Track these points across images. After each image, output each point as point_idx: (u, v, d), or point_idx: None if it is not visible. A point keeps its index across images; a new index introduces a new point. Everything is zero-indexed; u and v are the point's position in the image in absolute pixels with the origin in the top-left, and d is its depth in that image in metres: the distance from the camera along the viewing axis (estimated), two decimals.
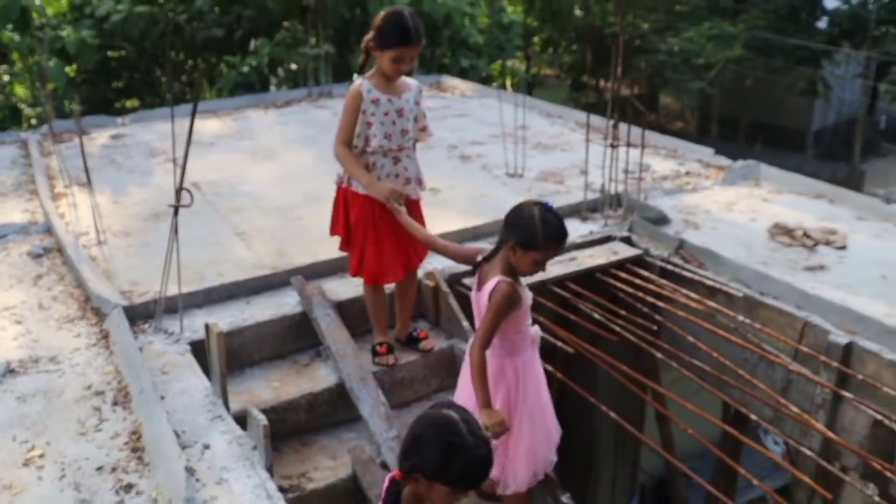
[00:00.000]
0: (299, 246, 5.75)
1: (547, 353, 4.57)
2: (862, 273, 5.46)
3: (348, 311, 4.95)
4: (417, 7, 13.59)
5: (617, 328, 5.22)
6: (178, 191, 4.58)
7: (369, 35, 4.24)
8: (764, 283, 5.25)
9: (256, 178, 7.31)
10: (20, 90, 14.44)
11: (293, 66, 13.71)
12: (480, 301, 3.58)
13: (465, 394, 3.75)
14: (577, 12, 25.64)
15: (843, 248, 5.84)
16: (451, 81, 11.20)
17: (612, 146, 6.07)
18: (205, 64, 15.78)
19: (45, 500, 3.52)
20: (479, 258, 3.66)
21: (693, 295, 5.34)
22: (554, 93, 26.19)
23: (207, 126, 9.08)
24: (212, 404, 4.11)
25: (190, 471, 3.57)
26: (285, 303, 5.09)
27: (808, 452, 4.59)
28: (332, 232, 4.69)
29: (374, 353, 4.78)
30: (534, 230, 3.39)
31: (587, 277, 5.48)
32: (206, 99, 13.37)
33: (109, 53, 15.05)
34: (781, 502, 4.87)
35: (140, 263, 5.62)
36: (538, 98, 11.37)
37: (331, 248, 5.50)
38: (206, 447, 3.79)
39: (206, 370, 4.35)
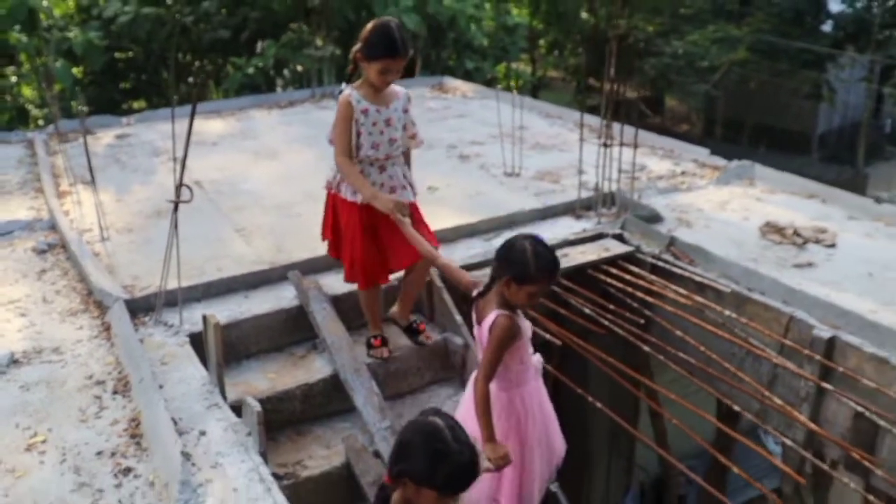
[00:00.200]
0: (298, 242, 5.87)
1: (540, 348, 4.68)
2: (849, 270, 5.56)
3: (343, 305, 5.07)
4: (422, 9, 13.74)
5: (607, 323, 5.33)
6: (178, 187, 4.70)
7: (357, 46, 4.31)
8: (752, 279, 5.35)
9: (258, 177, 7.44)
10: (27, 91, 14.61)
11: (299, 68, 13.85)
12: (482, 335, 3.62)
13: (466, 427, 3.84)
14: (584, 15, 25.71)
15: (832, 246, 5.94)
16: (452, 83, 11.32)
17: (605, 145, 6.18)
18: (212, 65, 15.95)
19: (46, 484, 3.65)
20: (475, 293, 3.71)
21: (682, 291, 5.45)
22: (559, 95, 26.25)
23: (211, 126, 9.22)
24: (209, 393, 4.23)
25: (186, 455, 3.70)
26: (282, 297, 5.21)
27: (792, 444, 4.71)
28: (323, 236, 4.83)
29: (369, 346, 4.89)
30: (526, 264, 3.42)
31: (579, 273, 5.60)
32: (212, 100, 13.53)
33: (116, 55, 15.22)
34: (778, 502, 4.99)
35: (142, 259, 5.74)
36: (544, 100, 11.48)
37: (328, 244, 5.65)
38: (203, 433, 3.92)
39: (205, 361, 4.48)
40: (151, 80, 15.90)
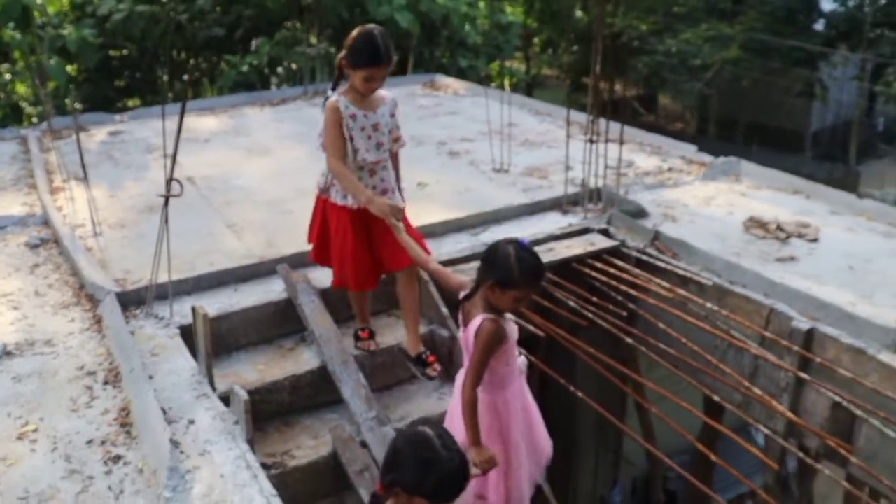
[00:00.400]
0: (288, 237, 5.93)
1: (526, 341, 4.77)
2: (831, 264, 5.65)
3: (331, 298, 5.14)
4: (416, 7, 13.81)
5: (593, 316, 5.42)
6: (168, 182, 4.78)
7: (342, 53, 4.36)
8: (734, 272, 5.44)
9: (250, 173, 7.52)
10: (21, 88, 14.66)
11: (293, 66, 13.92)
12: (468, 339, 3.64)
13: (453, 429, 3.87)
14: (578, 13, 25.81)
15: (814, 240, 6.03)
16: (444, 80, 11.39)
17: (591, 141, 6.26)
18: (206, 63, 16.01)
19: (37, 471, 3.72)
20: (461, 296, 3.73)
21: (666, 284, 5.54)
22: (554, 93, 26.36)
23: (204, 123, 9.30)
24: (198, 383, 4.31)
25: (175, 443, 3.78)
26: (271, 290, 5.28)
27: (773, 435, 4.80)
28: (308, 239, 4.90)
29: (356, 338, 4.97)
30: (510, 269, 3.43)
31: (564, 267, 5.68)
32: (205, 97, 13.59)
33: (111, 52, 15.26)
34: (767, 499, 5.08)
35: (134, 254, 5.82)
36: (538, 99, 11.55)
37: None
38: (191, 422, 4.00)
39: (195, 352, 4.56)
40: (146, 78, 15.95)
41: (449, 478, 2.72)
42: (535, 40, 27.81)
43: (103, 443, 3.90)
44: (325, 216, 4.69)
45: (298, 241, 5.77)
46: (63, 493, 3.59)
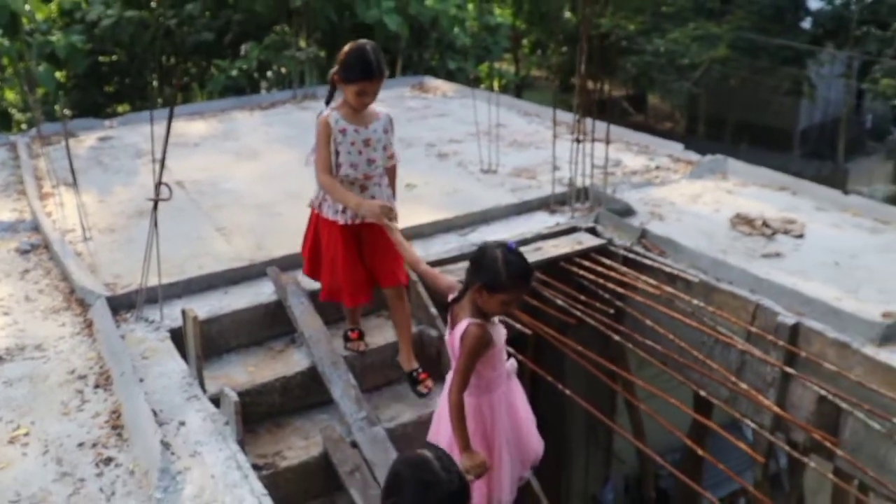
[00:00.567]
0: (277, 240, 5.97)
1: (515, 341, 4.80)
2: (816, 260, 5.70)
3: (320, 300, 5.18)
4: (404, 10, 13.85)
5: (581, 314, 5.46)
6: (157, 185, 4.80)
7: (334, 69, 4.39)
8: (720, 269, 5.49)
9: (239, 177, 7.54)
10: (10, 95, 14.66)
11: (282, 70, 13.94)
12: (453, 342, 3.65)
13: (440, 433, 3.87)
14: (566, 14, 25.88)
15: (800, 236, 6.08)
16: (433, 82, 11.44)
17: (578, 141, 6.31)
18: (195, 68, 16.02)
19: (28, 475, 3.74)
20: (450, 298, 3.72)
21: (653, 281, 5.58)
22: (543, 94, 26.41)
23: (194, 128, 9.32)
24: (188, 385, 4.34)
25: (165, 444, 3.81)
26: (261, 292, 5.31)
27: (759, 429, 4.85)
28: (302, 252, 4.91)
29: (346, 339, 5.00)
30: (498, 273, 3.44)
31: (552, 266, 5.72)
32: (195, 102, 13.60)
33: (100, 58, 15.26)
34: (757, 495, 5.13)
35: (123, 258, 5.84)
36: (528, 100, 11.59)
37: None
38: (182, 424, 4.02)
39: (185, 355, 4.59)
40: (135, 84, 15.95)
41: (449, 500, 2.68)
42: (524, 42, 27.86)
43: (94, 445, 3.92)
44: (317, 230, 4.71)
45: (287, 243, 5.82)
46: (55, 495, 3.61)
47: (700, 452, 5.29)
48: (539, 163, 7.62)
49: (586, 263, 5.80)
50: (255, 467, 4.08)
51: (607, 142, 6.61)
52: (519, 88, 24.90)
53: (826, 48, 23.62)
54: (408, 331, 4.88)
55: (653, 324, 5.44)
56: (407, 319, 4.87)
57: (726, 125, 26.22)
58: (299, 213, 6.44)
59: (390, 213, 4.31)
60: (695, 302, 5.35)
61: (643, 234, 5.96)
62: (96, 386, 4.40)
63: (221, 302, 5.22)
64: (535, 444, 4.03)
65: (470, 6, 17.96)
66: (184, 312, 4.38)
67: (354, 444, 4.40)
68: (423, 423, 4.68)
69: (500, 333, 3.69)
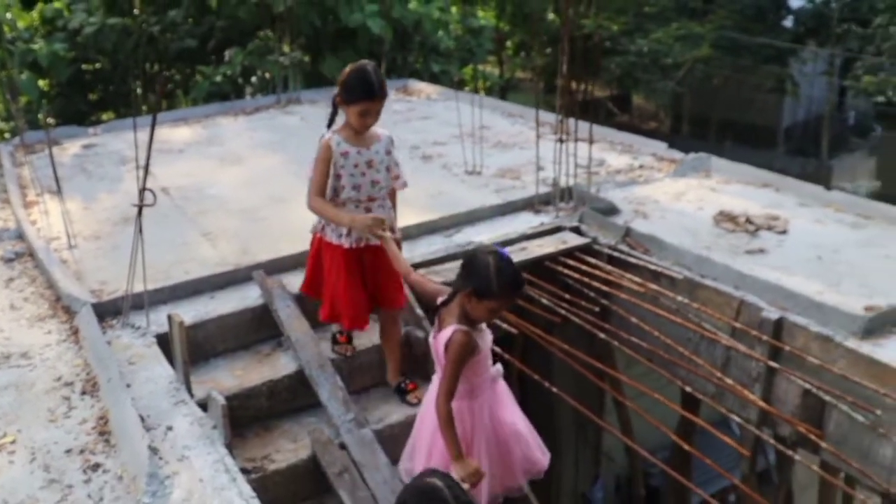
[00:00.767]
0: (262, 244, 5.98)
1: (502, 340, 4.83)
2: (799, 255, 5.75)
3: (307, 303, 5.18)
4: (388, 14, 13.86)
5: (567, 313, 5.49)
6: (141, 191, 4.81)
7: (336, 91, 4.39)
8: (704, 265, 5.52)
9: (224, 182, 7.54)
10: None
11: (266, 75, 13.93)
12: (437, 348, 3.64)
13: (421, 437, 3.88)
14: (550, 16, 25.94)
15: (783, 232, 6.13)
16: (417, 85, 11.47)
17: (561, 141, 6.34)
18: (179, 75, 15.98)
19: (15, 482, 3.74)
20: (439, 301, 3.71)
21: (638, 279, 5.61)
22: (528, 96, 26.40)
23: (178, 134, 9.31)
24: (175, 390, 4.34)
25: (153, 449, 3.82)
26: (247, 296, 5.32)
27: (746, 424, 4.89)
28: (302, 287, 4.91)
29: (334, 342, 5.01)
30: (488, 280, 3.42)
31: (537, 266, 5.74)
32: (178, 108, 13.57)
33: (83, 66, 15.20)
34: (745, 490, 5.16)
35: (109, 265, 5.83)
36: (512, 101, 11.62)
37: (292, 245, 5.80)
38: (169, 429, 4.03)
39: (172, 360, 4.59)
40: (119, 91, 15.87)
41: None
42: (508, 44, 27.90)
43: (82, 451, 3.92)
44: (319, 252, 4.69)
45: (273, 247, 5.85)
46: (42, 502, 3.62)
47: (687, 448, 5.33)
48: (523, 163, 7.64)
49: (571, 262, 5.83)
50: (244, 471, 4.09)
51: (590, 141, 6.64)
52: (504, 90, 24.92)
53: (808, 46, 23.76)
54: (397, 351, 4.92)
55: (638, 321, 5.47)
56: (397, 341, 4.92)
57: (710, 124, 26.31)
58: (284, 217, 6.51)
59: (382, 225, 4.31)
60: (679, 299, 5.39)
61: (627, 233, 5.99)
62: (83, 392, 4.40)
63: (207, 307, 5.23)
64: (537, 455, 3.98)
65: (453, 9, 17.98)
66: (170, 318, 4.39)
67: (343, 446, 4.41)
68: (411, 424, 4.69)
69: (486, 339, 3.68)
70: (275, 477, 4.36)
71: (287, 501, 4.36)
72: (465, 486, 3.40)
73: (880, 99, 22.22)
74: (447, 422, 3.51)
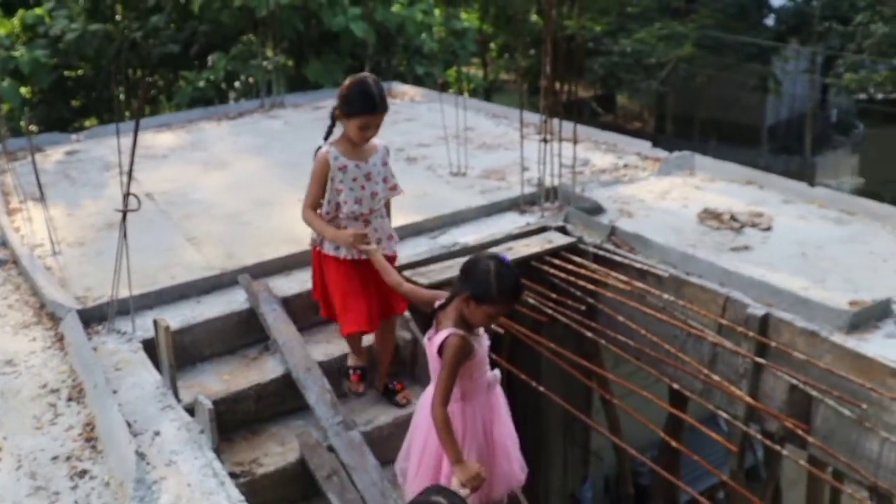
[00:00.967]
0: (248, 248, 5.96)
1: (490, 339, 4.81)
2: (784, 251, 5.78)
3: (293, 306, 5.18)
4: (371, 17, 13.86)
5: (554, 312, 5.50)
6: (125, 196, 4.79)
7: (335, 104, 4.32)
8: (689, 263, 5.54)
9: (208, 187, 7.52)
10: None
11: (250, 80, 13.90)
12: (431, 350, 3.61)
13: (414, 443, 3.84)
14: (533, 17, 26.00)
15: (768, 229, 6.15)
16: (400, 88, 11.46)
17: (545, 141, 6.35)
18: (162, 80, 15.94)
19: (2, 490, 3.71)
20: (437, 304, 3.68)
21: (624, 278, 5.63)
22: (513, 97, 26.47)
23: (161, 139, 9.27)
24: (162, 395, 4.32)
25: (140, 455, 3.80)
26: (234, 300, 5.30)
27: (733, 420, 4.90)
28: (313, 296, 4.81)
29: (346, 377, 4.85)
30: (488, 285, 3.40)
31: (523, 266, 5.74)
32: (162, 114, 13.54)
33: (65, 73, 15.14)
34: (731, 485, 5.18)
35: (94, 270, 5.80)
36: (497, 103, 11.64)
37: (277, 249, 5.80)
38: (157, 434, 4.01)
39: (158, 365, 4.56)
40: (102, 98, 15.83)
41: None
42: (492, 45, 27.95)
43: (69, 458, 3.90)
44: (321, 268, 4.62)
45: (258, 251, 5.84)
46: None
47: (675, 446, 5.35)
48: (508, 164, 7.65)
49: (557, 262, 5.84)
50: (233, 475, 4.08)
51: (575, 141, 6.66)
52: (488, 92, 24.98)
53: (790, 44, 23.91)
54: (389, 355, 4.89)
55: (625, 319, 5.48)
56: (391, 347, 4.89)
57: (694, 123, 26.46)
58: (269, 221, 6.50)
59: (364, 240, 4.28)
60: (665, 296, 5.40)
61: (613, 232, 6.01)
62: (69, 399, 4.38)
63: (194, 311, 5.21)
64: (516, 470, 3.93)
65: (436, 11, 17.99)
66: (156, 322, 4.37)
67: (331, 449, 4.40)
68: (400, 426, 4.70)
69: (482, 344, 3.66)
70: (263, 481, 4.34)
71: None
72: (466, 491, 3.40)
73: (862, 96, 22.41)
74: (444, 426, 3.47)
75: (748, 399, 4.89)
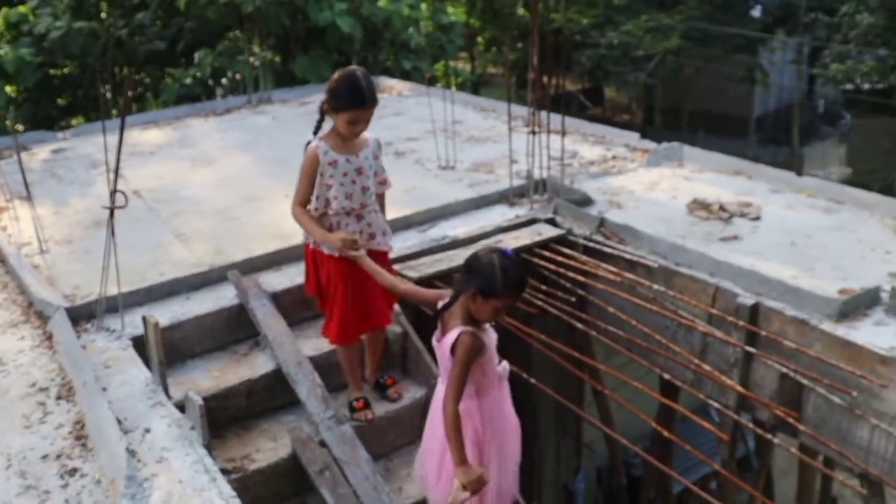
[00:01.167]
0: (237, 244, 5.95)
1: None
2: (772, 241, 5.79)
3: (283, 301, 5.17)
4: (357, 12, 13.83)
5: (545, 304, 5.49)
6: (112, 193, 4.76)
7: (324, 98, 4.22)
8: (679, 253, 5.55)
9: (196, 183, 7.49)
10: None
11: (237, 76, 13.86)
12: (443, 350, 3.58)
13: (434, 444, 3.80)
14: (520, 11, 25.99)
15: (757, 218, 6.16)
16: (388, 82, 11.45)
17: (533, 133, 6.35)
18: (149, 78, 15.87)
19: None
20: (440, 305, 3.64)
21: (614, 269, 5.63)
22: (501, 91, 26.44)
23: (148, 136, 9.24)
24: (152, 392, 4.31)
25: (131, 452, 3.79)
26: (223, 296, 5.28)
27: (724, 409, 4.91)
28: (307, 291, 4.69)
29: (352, 410, 4.70)
30: (493, 278, 3.38)
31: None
32: (149, 111, 13.48)
33: (51, 71, 15.05)
34: (723, 473, 5.19)
35: (82, 268, 5.78)
36: (485, 97, 11.64)
37: (266, 244, 5.79)
38: (147, 431, 4.00)
39: (148, 362, 4.55)
40: (88, 96, 15.75)
41: None
42: (479, 39, 27.93)
43: (59, 457, 3.88)
44: (315, 265, 4.51)
45: (247, 247, 5.82)
46: None
47: (667, 436, 5.35)
48: (497, 157, 7.65)
49: (547, 254, 5.84)
50: (224, 472, 4.05)
51: (563, 133, 6.66)
52: (476, 86, 24.95)
53: (776, 35, 23.96)
54: (379, 350, 4.84)
55: (616, 310, 5.49)
56: (382, 341, 4.84)
57: (683, 115, 26.49)
58: (257, 216, 6.49)
59: (354, 245, 4.15)
60: (656, 287, 5.41)
61: (602, 223, 6.01)
62: (58, 397, 4.36)
63: (183, 308, 5.19)
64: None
65: (423, 6, 17.95)
66: (145, 319, 4.35)
67: (323, 444, 4.39)
68: (391, 420, 4.72)
69: (491, 338, 3.64)
70: (255, 476, 4.33)
71: (268, 501, 4.34)
72: (466, 494, 3.39)
73: (849, 86, 22.47)
74: (453, 425, 3.45)
75: (739, 388, 4.91)
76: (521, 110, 7.99)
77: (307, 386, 4.62)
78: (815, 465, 5.47)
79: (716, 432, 4.94)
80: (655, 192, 6.75)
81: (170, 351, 4.66)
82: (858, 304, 4.87)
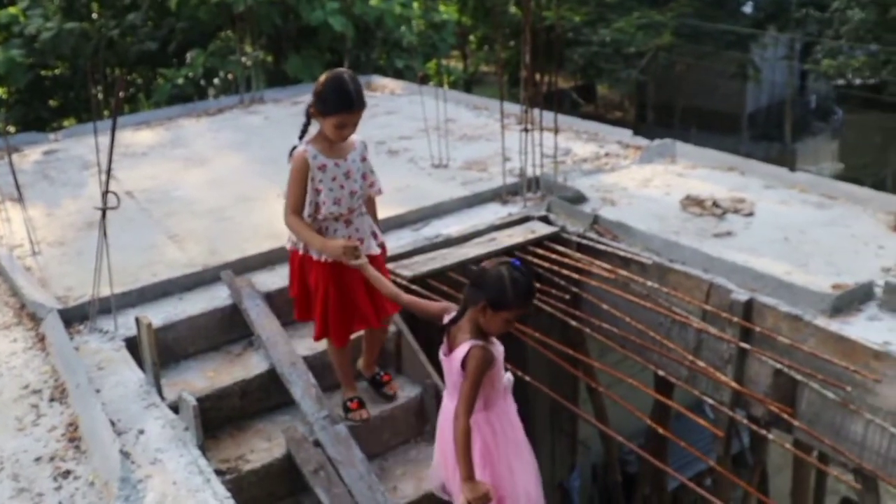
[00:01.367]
0: (230, 244, 5.93)
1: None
2: (766, 236, 5.79)
3: (276, 301, 5.14)
4: (349, 10, 13.81)
5: (539, 302, 5.48)
6: (104, 194, 4.75)
7: (310, 101, 4.13)
8: (672, 250, 5.55)
9: (189, 184, 7.48)
10: None
11: (229, 76, 13.83)
12: (452, 366, 3.54)
13: (442, 450, 3.78)
14: (512, 9, 26.00)
15: (750, 214, 6.17)
16: (380, 81, 11.44)
17: (526, 130, 6.35)
18: (141, 78, 15.83)
19: None
20: (447, 319, 3.60)
21: (607, 266, 5.63)
22: (493, 89, 26.36)
23: (141, 137, 9.21)
24: (146, 393, 4.29)
25: (125, 454, 3.78)
26: (216, 297, 5.27)
27: (719, 405, 4.91)
28: (290, 293, 4.60)
29: (346, 410, 4.64)
30: (504, 290, 3.35)
31: (507, 256, 5.72)
32: (141, 112, 13.44)
33: (42, 72, 15.01)
34: (718, 469, 5.19)
35: (74, 270, 5.76)
36: (478, 95, 11.63)
37: (259, 244, 5.77)
38: (141, 432, 3.99)
39: (141, 363, 4.53)
40: (79, 97, 15.71)
41: None
42: (471, 38, 27.93)
43: (52, 459, 3.87)
44: (302, 271, 4.42)
45: (240, 247, 5.81)
46: None
47: (662, 433, 5.36)
48: (490, 155, 7.64)
49: (540, 251, 5.84)
50: (218, 472, 4.05)
51: (556, 131, 6.66)
52: (468, 84, 24.94)
53: (768, 31, 24.00)
54: (377, 348, 4.79)
55: (610, 308, 5.49)
56: (381, 341, 4.80)
57: (675, 111, 26.54)
58: (250, 216, 6.48)
59: (355, 252, 4.04)
60: (650, 284, 5.41)
61: (595, 220, 6.01)
62: (51, 399, 4.34)
63: (177, 308, 5.17)
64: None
65: (415, 4, 17.94)
66: (138, 320, 4.34)
67: (317, 444, 4.37)
68: (386, 419, 4.71)
69: (499, 351, 3.61)
70: (250, 477, 4.32)
71: (263, 501, 4.33)
72: None
73: (840, 82, 22.51)
74: (464, 439, 3.41)
75: (733, 384, 4.91)
76: (513, 108, 7.98)
77: (301, 386, 4.60)
78: (810, 460, 5.46)
79: (710, 429, 4.94)
80: (649, 189, 6.75)
81: (163, 352, 4.64)
82: (852, 300, 4.88)
